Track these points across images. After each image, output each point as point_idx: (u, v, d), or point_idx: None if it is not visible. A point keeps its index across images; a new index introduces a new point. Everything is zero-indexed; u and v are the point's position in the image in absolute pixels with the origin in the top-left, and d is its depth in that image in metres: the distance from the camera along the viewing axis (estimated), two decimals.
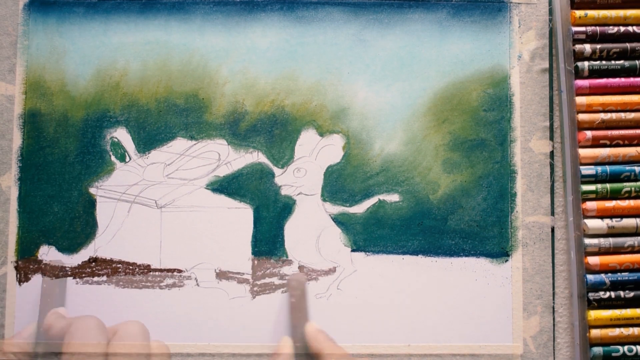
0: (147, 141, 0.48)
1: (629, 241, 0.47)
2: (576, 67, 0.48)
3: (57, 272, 0.47)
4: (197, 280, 0.47)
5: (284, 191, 0.48)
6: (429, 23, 0.49)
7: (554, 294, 0.47)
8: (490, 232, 0.47)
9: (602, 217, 0.47)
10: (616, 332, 0.46)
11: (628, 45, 0.48)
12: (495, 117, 0.48)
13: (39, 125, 0.48)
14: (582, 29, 0.48)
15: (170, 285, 0.47)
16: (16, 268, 0.47)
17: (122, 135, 0.48)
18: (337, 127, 0.48)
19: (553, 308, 0.47)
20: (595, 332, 0.46)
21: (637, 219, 0.47)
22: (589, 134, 0.47)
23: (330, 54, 0.48)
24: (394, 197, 0.48)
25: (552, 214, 0.48)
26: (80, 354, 0.46)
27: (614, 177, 0.47)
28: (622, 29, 0.48)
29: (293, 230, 0.47)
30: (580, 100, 0.48)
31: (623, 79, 0.48)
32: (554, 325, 0.47)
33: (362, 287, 0.47)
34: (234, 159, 0.48)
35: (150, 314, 0.47)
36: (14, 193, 0.47)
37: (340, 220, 0.48)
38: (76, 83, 0.48)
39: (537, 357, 0.47)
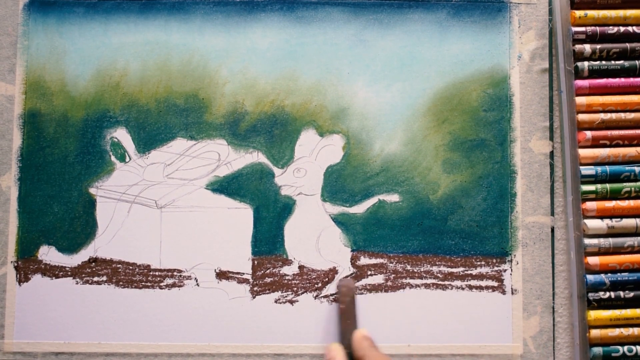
0: (147, 141, 0.48)
1: (628, 241, 0.47)
2: (576, 67, 0.48)
3: (57, 272, 0.47)
4: (197, 280, 0.47)
5: (284, 191, 0.48)
6: (429, 23, 0.49)
7: (553, 294, 0.47)
8: (490, 232, 0.47)
9: (602, 217, 0.47)
10: (616, 332, 0.46)
11: (628, 45, 0.48)
12: (495, 117, 0.48)
13: (39, 125, 0.48)
14: (582, 29, 0.48)
15: (170, 285, 0.47)
16: (16, 268, 0.47)
17: (122, 135, 0.48)
18: (337, 127, 0.48)
19: (553, 308, 0.47)
20: (595, 332, 0.46)
21: (637, 219, 0.47)
22: (588, 134, 0.47)
23: (330, 54, 0.48)
24: (394, 197, 0.48)
25: (552, 214, 0.48)
26: (80, 354, 0.47)
27: (614, 177, 0.47)
28: (622, 29, 0.48)
29: (293, 230, 0.47)
30: (580, 100, 0.48)
31: (623, 79, 0.48)
32: (553, 325, 0.47)
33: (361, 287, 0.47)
34: (234, 159, 0.48)
35: (150, 314, 0.47)
36: (14, 193, 0.47)
37: (340, 221, 0.48)
38: (76, 83, 0.48)
39: (537, 357, 0.47)
